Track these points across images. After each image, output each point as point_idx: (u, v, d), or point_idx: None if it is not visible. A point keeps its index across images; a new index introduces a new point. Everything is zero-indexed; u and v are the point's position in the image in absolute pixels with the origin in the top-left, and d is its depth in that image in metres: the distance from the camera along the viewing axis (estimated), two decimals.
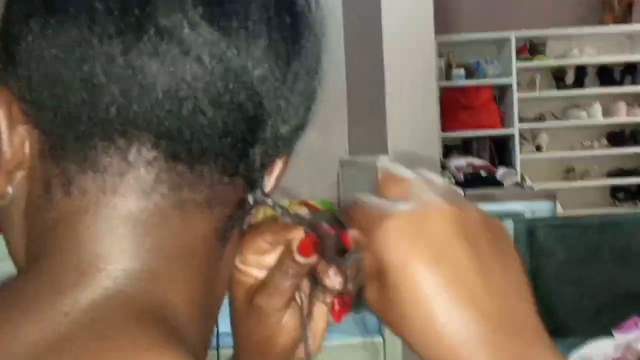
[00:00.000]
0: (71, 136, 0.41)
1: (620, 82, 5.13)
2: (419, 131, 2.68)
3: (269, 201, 0.46)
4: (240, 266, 0.49)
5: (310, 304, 0.49)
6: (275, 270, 0.47)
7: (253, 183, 0.45)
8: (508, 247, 0.44)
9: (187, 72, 0.40)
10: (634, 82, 5.12)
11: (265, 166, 0.46)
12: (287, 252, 0.46)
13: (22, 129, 0.43)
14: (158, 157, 0.41)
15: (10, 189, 0.43)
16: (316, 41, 0.46)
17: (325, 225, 0.46)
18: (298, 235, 0.46)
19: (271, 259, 0.48)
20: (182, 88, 0.40)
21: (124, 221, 0.41)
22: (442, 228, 0.42)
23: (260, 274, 0.49)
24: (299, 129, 0.46)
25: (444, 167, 3.59)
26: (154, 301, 0.41)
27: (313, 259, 0.46)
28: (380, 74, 2.60)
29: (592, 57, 5.03)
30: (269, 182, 0.47)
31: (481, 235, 0.43)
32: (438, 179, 0.45)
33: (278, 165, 0.47)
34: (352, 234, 0.44)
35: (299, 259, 0.45)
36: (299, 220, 0.46)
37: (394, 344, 2.05)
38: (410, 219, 0.42)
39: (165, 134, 0.40)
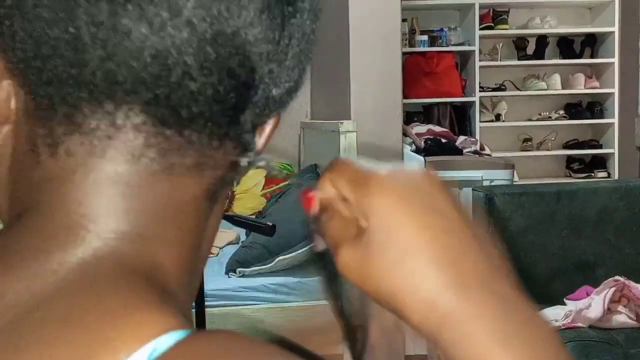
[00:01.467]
0: (57, 98, 0.40)
1: (580, 54, 5.20)
2: (382, 96, 2.68)
3: (262, 161, 0.46)
4: None
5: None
6: None
7: (244, 144, 0.44)
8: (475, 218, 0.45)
9: (177, 37, 0.38)
10: (593, 54, 5.19)
11: (256, 127, 0.45)
12: None
13: (8, 84, 0.42)
14: (146, 121, 0.40)
15: None
16: (311, 2, 0.44)
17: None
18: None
19: None
20: (171, 53, 0.38)
21: (112, 183, 0.40)
22: (430, 183, 0.43)
23: None
24: (292, 91, 0.45)
25: (405, 133, 3.60)
26: (144, 262, 0.40)
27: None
28: (345, 37, 2.58)
29: (553, 27, 5.08)
30: (259, 142, 0.46)
31: (457, 201, 0.44)
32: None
33: (269, 124, 0.47)
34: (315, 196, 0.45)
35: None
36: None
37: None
38: (399, 173, 0.43)
39: (153, 99, 0.39)
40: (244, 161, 0.45)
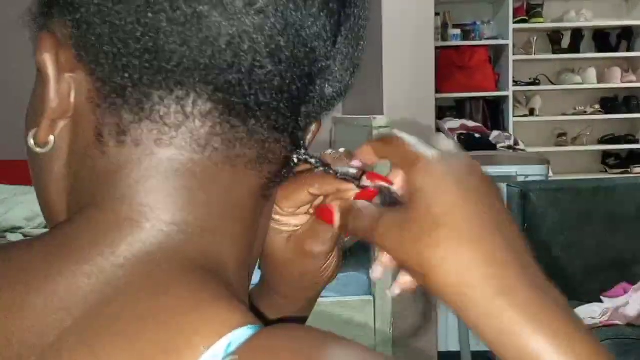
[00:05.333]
0: (129, 84, 0.40)
1: (616, 48, 5.11)
2: (414, 91, 2.66)
3: (312, 159, 0.47)
4: (277, 217, 0.51)
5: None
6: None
7: (298, 141, 0.45)
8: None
9: (251, 25, 0.39)
10: (629, 48, 5.10)
11: (307, 126, 0.46)
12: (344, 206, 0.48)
13: (69, 77, 0.42)
14: (213, 109, 0.40)
15: (52, 138, 0.43)
16: (363, 8, 0.46)
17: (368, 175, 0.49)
18: (349, 187, 0.48)
19: (306, 209, 0.51)
20: (244, 40, 0.39)
21: (177, 174, 0.41)
22: (476, 176, 0.44)
23: (298, 221, 0.51)
24: (341, 93, 0.46)
25: (438, 128, 3.57)
26: (206, 256, 0.40)
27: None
28: (378, 31, 2.57)
29: (588, 20, 5.00)
30: (307, 142, 0.48)
31: (497, 192, 0.45)
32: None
33: (314, 127, 0.48)
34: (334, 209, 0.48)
35: (360, 205, 0.47)
36: (343, 176, 0.49)
37: (384, 302, 2.07)
38: (448, 161, 0.44)
39: (223, 86, 0.40)
40: (296, 157, 0.45)
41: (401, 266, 0.44)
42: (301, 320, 0.57)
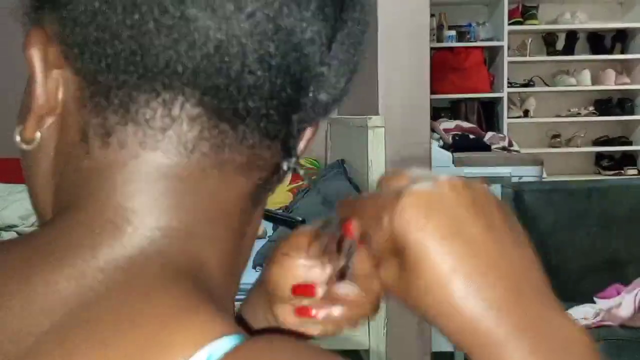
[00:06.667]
0: (115, 85, 0.39)
1: (610, 50, 5.12)
2: (410, 92, 2.66)
3: (300, 170, 0.46)
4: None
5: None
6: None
7: (288, 149, 0.44)
8: (515, 222, 0.43)
9: (240, 29, 0.38)
10: (623, 50, 5.11)
11: (300, 132, 0.45)
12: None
13: (57, 74, 0.41)
14: (202, 114, 0.40)
15: (38, 135, 0.42)
16: (362, 13, 0.45)
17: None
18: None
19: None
20: (233, 44, 0.38)
21: (163, 177, 0.40)
22: (457, 201, 0.41)
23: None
24: (337, 99, 0.45)
25: (432, 129, 3.58)
26: (190, 261, 0.40)
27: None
28: (374, 32, 2.57)
29: (583, 23, 5.01)
30: (298, 148, 0.46)
31: (493, 209, 0.42)
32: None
33: (308, 132, 0.47)
34: (353, 223, 0.44)
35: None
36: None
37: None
38: (424, 195, 0.41)
39: (211, 90, 0.39)
40: (286, 165, 0.44)
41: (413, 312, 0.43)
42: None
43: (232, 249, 0.43)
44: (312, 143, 0.48)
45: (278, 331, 0.51)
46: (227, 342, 0.34)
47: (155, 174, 0.40)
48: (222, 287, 0.41)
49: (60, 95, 0.42)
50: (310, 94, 0.42)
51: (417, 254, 0.40)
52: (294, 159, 0.44)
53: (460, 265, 0.39)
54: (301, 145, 0.46)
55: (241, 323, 0.38)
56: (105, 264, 0.38)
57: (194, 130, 0.40)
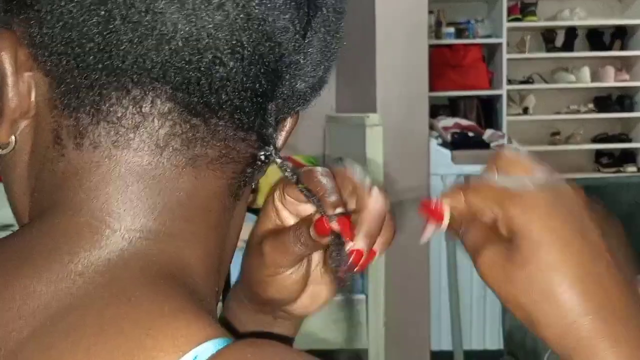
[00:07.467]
0: (85, 85, 0.39)
1: (610, 47, 5.11)
2: (408, 89, 2.65)
3: (278, 161, 0.45)
4: (277, 204, 0.50)
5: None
6: (291, 229, 0.48)
7: (266, 140, 0.43)
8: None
9: (209, 20, 0.38)
10: (623, 47, 5.10)
11: (279, 123, 0.45)
12: (306, 222, 0.47)
13: (28, 76, 0.41)
14: (173, 109, 0.39)
15: (13, 139, 0.42)
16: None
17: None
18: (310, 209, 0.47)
19: (305, 211, 0.49)
20: (202, 37, 0.38)
21: (138, 177, 0.40)
22: (580, 205, 0.44)
23: (288, 219, 0.50)
24: (316, 87, 0.45)
25: (431, 127, 3.56)
26: (171, 262, 0.39)
27: (325, 240, 0.46)
28: (372, 29, 2.56)
29: (582, 19, 5.00)
30: (278, 139, 0.46)
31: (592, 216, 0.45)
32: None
33: (288, 123, 0.46)
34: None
35: (314, 235, 0.46)
36: (307, 194, 0.47)
37: (376, 302, 2.07)
38: (553, 193, 0.44)
39: (182, 85, 0.38)
40: (263, 155, 0.44)
41: (504, 302, 0.44)
42: (279, 336, 0.55)
43: (214, 247, 0.43)
44: (293, 134, 0.47)
45: (263, 335, 0.50)
46: (212, 346, 0.34)
47: (129, 173, 0.39)
48: (205, 286, 0.41)
49: (32, 98, 0.41)
50: (287, 83, 0.42)
51: (537, 242, 0.42)
52: (271, 149, 0.43)
53: (578, 263, 0.42)
54: (281, 137, 0.46)
55: (226, 326, 0.37)
56: (84, 268, 0.37)
57: (165, 127, 0.39)
